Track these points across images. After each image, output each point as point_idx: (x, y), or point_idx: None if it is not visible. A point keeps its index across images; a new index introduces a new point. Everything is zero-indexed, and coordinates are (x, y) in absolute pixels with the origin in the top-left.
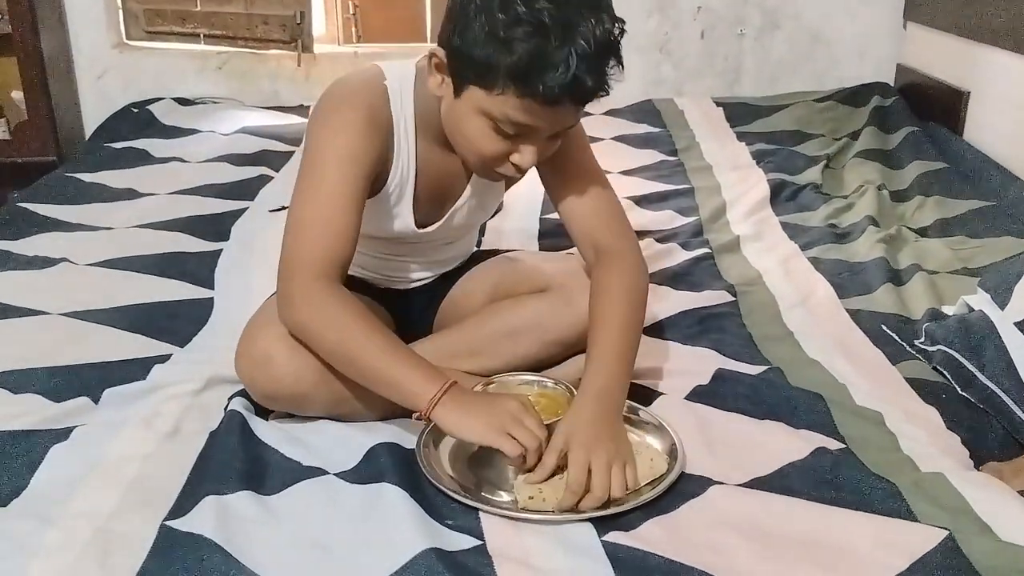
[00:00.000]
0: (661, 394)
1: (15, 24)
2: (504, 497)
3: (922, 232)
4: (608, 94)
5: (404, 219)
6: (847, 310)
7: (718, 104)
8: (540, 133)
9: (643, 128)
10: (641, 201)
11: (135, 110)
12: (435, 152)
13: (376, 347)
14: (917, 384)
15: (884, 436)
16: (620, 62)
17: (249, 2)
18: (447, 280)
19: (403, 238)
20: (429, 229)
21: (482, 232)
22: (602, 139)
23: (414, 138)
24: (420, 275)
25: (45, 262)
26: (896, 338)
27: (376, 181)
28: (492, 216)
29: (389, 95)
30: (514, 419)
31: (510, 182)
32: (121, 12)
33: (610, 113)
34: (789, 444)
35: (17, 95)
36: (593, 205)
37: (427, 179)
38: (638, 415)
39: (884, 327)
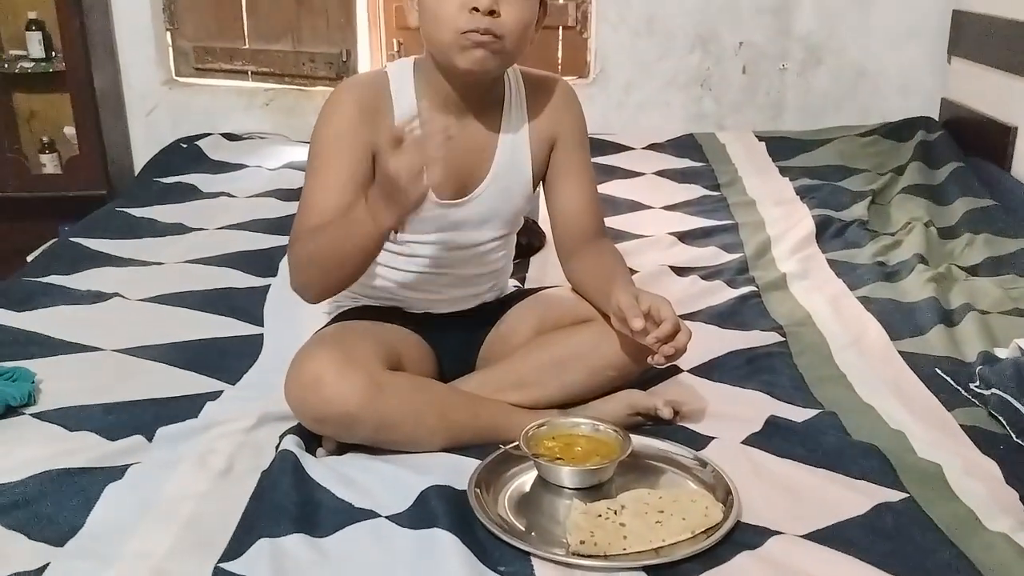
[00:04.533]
0: (714, 439)
1: (69, 62)
2: (556, 543)
3: (972, 271)
4: None
5: None
6: (899, 352)
7: (760, 138)
8: None
9: (685, 163)
10: (685, 237)
11: (184, 145)
12: (444, 126)
13: (323, 238)
14: (974, 432)
15: (945, 490)
16: None
17: (296, 40)
18: (487, 315)
19: (425, 221)
20: (452, 200)
21: (525, 268)
22: (644, 174)
23: (415, 109)
24: (455, 293)
25: (98, 297)
26: (951, 382)
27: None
28: (535, 251)
29: (389, 78)
30: (403, 169)
31: (536, 176)
32: (171, 50)
33: (651, 148)
34: (848, 496)
35: (69, 130)
36: (587, 203)
37: (442, 152)
38: (694, 461)
39: (938, 371)
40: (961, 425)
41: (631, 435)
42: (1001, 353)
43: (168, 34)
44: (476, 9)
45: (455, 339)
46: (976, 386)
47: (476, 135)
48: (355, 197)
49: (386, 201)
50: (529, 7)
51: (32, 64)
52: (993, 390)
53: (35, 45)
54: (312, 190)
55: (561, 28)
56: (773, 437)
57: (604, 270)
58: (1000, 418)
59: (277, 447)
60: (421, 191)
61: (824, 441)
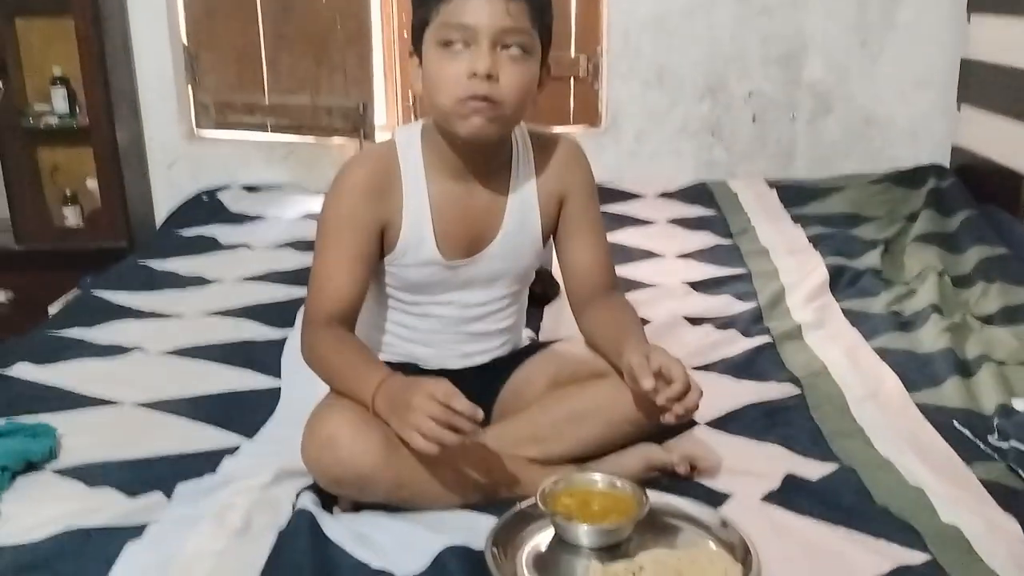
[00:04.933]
0: (732, 495)
1: (92, 117)
2: None
3: (987, 320)
4: None
5: (429, 250)
6: (916, 404)
7: (771, 186)
8: (479, 35)
9: (697, 210)
10: (698, 286)
11: (205, 198)
12: (452, 189)
13: (336, 364)
14: (994, 488)
15: (967, 551)
16: None
17: (315, 94)
18: (502, 369)
19: (436, 283)
20: (461, 260)
21: (540, 318)
22: (656, 222)
23: (423, 175)
24: (468, 348)
25: (119, 350)
26: (969, 435)
27: (390, 227)
28: (550, 301)
29: (397, 145)
30: (419, 413)
31: (546, 233)
32: (193, 104)
33: (663, 196)
34: (868, 558)
35: (92, 183)
36: (598, 257)
37: (450, 216)
38: (712, 519)
39: (956, 423)
40: (980, 480)
41: (648, 491)
42: (1019, 404)
43: (190, 89)
44: (475, 74)
45: (470, 393)
46: (994, 439)
47: (485, 197)
48: (364, 272)
49: (390, 408)
50: (528, 72)
51: (57, 119)
52: (1012, 443)
53: (60, 100)
54: (322, 269)
55: (573, 79)
56: (791, 494)
57: (616, 325)
58: (1020, 472)
59: (294, 504)
60: (421, 449)
61: (843, 499)
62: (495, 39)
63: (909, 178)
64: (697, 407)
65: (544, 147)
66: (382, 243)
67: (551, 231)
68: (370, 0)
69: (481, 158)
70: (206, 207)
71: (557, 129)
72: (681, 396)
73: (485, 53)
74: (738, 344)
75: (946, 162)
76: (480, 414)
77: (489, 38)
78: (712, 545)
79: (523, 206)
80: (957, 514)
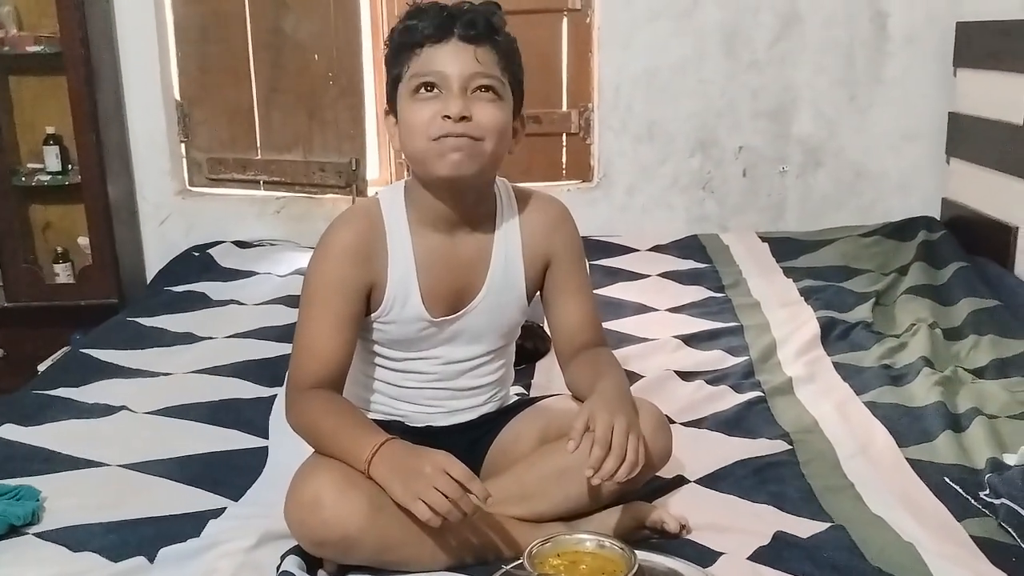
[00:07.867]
0: (722, 554)
1: (84, 174)
2: None
3: (978, 373)
4: (475, 24)
5: (415, 307)
6: (907, 459)
7: (763, 239)
8: (450, 81)
9: (689, 264)
10: (690, 340)
11: (196, 253)
12: (437, 243)
13: (329, 425)
14: (985, 544)
15: None
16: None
17: (307, 151)
18: (489, 426)
19: (422, 339)
20: (447, 317)
21: (531, 374)
22: (648, 275)
23: (408, 231)
24: (454, 405)
25: (105, 410)
26: (960, 491)
27: (376, 286)
28: (541, 356)
29: (380, 203)
30: (428, 482)
31: (530, 292)
32: (185, 161)
33: (655, 249)
34: None
35: (83, 240)
36: (585, 317)
37: (435, 271)
38: None
39: (947, 480)
40: (972, 536)
41: (637, 551)
42: (1010, 459)
43: (182, 146)
44: (448, 116)
45: (457, 451)
46: (986, 495)
47: (469, 250)
48: (353, 335)
49: (391, 472)
50: (502, 112)
51: (49, 177)
52: (1002, 500)
53: (52, 159)
54: (309, 333)
55: (565, 135)
56: (782, 552)
57: (591, 376)
58: (1010, 529)
59: (278, 567)
60: (426, 521)
61: (834, 557)
62: (465, 84)
63: (900, 231)
64: (618, 475)
65: (529, 205)
66: (368, 302)
67: (536, 290)
68: (362, 56)
69: (464, 208)
70: (196, 263)
71: (549, 185)
72: (599, 462)
73: (456, 96)
74: (729, 399)
75: (936, 214)
76: (491, 498)
77: (459, 83)
78: None
79: (508, 262)
80: (949, 571)
